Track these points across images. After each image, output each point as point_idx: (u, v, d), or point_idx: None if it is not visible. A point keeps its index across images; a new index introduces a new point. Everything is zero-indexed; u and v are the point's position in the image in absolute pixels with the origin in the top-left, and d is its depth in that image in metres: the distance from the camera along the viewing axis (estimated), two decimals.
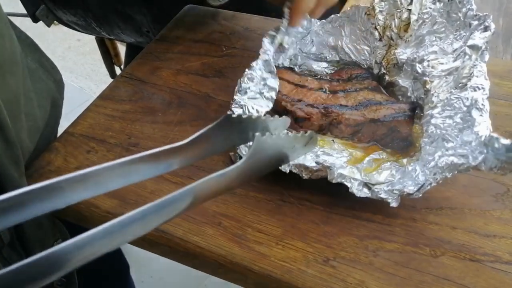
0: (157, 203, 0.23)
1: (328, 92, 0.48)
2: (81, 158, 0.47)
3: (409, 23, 0.49)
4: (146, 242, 0.41)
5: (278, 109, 0.47)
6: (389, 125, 0.44)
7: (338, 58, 0.54)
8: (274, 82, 0.46)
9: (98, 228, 0.21)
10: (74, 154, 0.47)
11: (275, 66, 0.48)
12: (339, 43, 0.53)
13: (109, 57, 1.34)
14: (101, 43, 1.28)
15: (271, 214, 0.41)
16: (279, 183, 0.43)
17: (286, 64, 0.53)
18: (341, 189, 0.42)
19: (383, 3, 0.50)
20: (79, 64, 2.44)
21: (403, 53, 0.49)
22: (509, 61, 0.66)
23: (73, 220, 0.45)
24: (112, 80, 1.47)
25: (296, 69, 0.54)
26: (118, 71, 1.40)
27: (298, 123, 0.46)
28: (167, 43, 0.62)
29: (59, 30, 2.34)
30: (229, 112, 0.37)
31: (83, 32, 1.08)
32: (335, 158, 0.43)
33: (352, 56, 0.53)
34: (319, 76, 0.52)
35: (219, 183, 0.27)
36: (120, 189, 0.43)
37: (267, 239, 0.39)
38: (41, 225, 0.44)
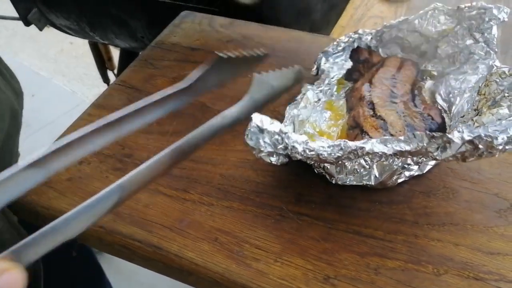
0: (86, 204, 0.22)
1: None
2: (73, 169, 0.45)
3: None
4: (140, 257, 0.40)
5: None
6: None
7: None
8: None
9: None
10: None
11: None
12: None
13: (102, 61, 1.32)
14: (94, 47, 1.27)
15: (269, 229, 0.40)
16: (278, 198, 0.42)
17: None
18: (341, 204, 0.41)
19: None
20: (72, 67, 2.42)
21: None
22: None
23: None
24: (105, 84, 1.45)
25: None
26: (111, 75, 1.38)
27: None
28: (163, 50, 0.61)
29: (51, 32, 2.32)
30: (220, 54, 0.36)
31: (76, 36, 1.06)
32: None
33: None
34: None
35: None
36: None
37: (265, 256, 0.38)
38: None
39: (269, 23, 0.66)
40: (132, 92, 0.54)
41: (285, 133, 0.35)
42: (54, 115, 2.00)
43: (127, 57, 1.28)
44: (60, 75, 2.27)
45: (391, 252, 0.38)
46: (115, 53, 1.32)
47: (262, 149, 0.35)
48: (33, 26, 0.96)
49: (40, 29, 0.93)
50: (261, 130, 0.35)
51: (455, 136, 0.32)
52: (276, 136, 0.35)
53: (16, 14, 0.91)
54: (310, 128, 0.47)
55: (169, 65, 0.58)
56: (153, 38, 0.86)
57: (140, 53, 0.61)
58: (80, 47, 2.40)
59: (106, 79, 1.38)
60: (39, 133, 1.89)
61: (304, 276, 0.37)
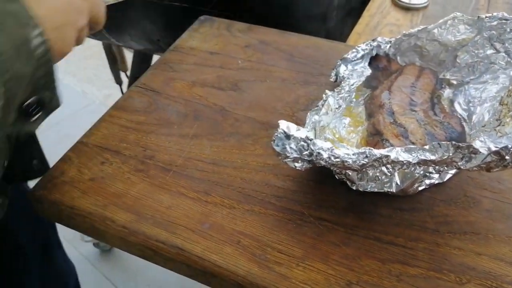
0: None
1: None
2: (95, 169, 0.46)
3: None
4: (163, 259, 0.40)
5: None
6: None
7: None
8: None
9: None
10: (88, 165, 0.46)
11: None
12: None
13: (115, 63, 1.33)
14: (107, 48, 1.28)
15: (291, 234, 0.40)
16: (298, 203, 0.43)
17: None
18: (362, 210, 0.41)
19: None
20: (82, 68, 2.44)
21: None
22: None
23: (86, 233, 0.44)
24: (115, 85, 1.46)
25: None
26: (123, 76, 1.39)
27: None
28: (182, 53, 0.61)
29: None
30: None
31: (91, 38, 1.07)
32: None
33: None
34: None
35: None
36: (137, 204, 0.42)
37: (287, 260, 0.38)
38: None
39: (285, 29, 0.66)
40: (152, 94, 0.55)
41: (311, 139, 0.36)
42: (63, 114, 2.01)
43: (140, 59, 1.29)
44: (71, 75, 2.29)
45: (413, 259, 0.38)
46: (128, 55, 1.33)
47: (288, 155, 0.36)
48: None
49: None
50: (288, 136, 0.36)
51: (481, 146, 0.33)
52: (302, 143, 0.36)
53: None
54: (330, 134, 0.47)
55: (188, 68, 0.59)
56: (168, 41, 0.87)
57: (160, 56, 0.62)
58: (91, 48, 2.41)
59: (118, 80, 1.39)
60: (49, 132, 1.90)
61: (326, 281, 0.37)
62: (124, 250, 0.42)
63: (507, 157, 0.32)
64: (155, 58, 1.18)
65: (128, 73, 1.37)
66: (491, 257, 0.38)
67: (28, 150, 0.47)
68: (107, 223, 0.42)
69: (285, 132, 0.36)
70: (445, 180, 0.44)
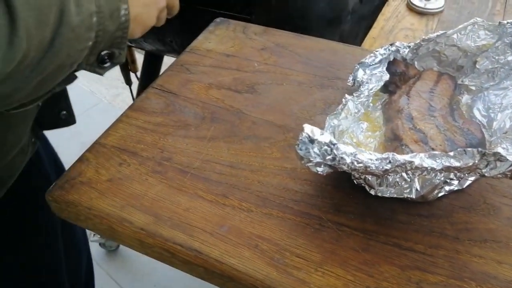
0: None
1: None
2: (113, 170, 0.46)
3: None
4: (181, 261, 0.40)
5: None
6: None
7: None
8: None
9: None
10: (105, 166, 0.47)
11: None
12: None
13: (126, 64, 1.33)
14: None
15: (309, 238, 0.40)
16: (316, 207, 0.42)
17: None
18: (380, 215, 0.41)
19: None
20: None
21: None
22: None
23: (104, 234, 0.44)
24: (124, 85, 1.46)
25: None
26: (133, 77, 1.39)
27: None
28: (198, 55, 0.61)
29: None
30: None
31: None
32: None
33: None
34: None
35: None
36: (155, 205, 0.42)
37: (306, 265, 0.38)
38: None
39: (299, 32, 0.66)
40: (169, 96, 0.55)
41: (334, 144, 0.35)
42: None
43: (151, 60, 1.29)
44: (80, 75, 2.30)
45: (433, 266, 0.38)
46: (138, 56, 1.33)
47: (311, 159, 0.35)
48: None
49: None
50: (312, 141, 0.35)
51: (507, 154, 0.32)
52: (326, 147, 0.35)
53: None
54: (348, 138, 0.47)
55: (204, 70, 0.59)
56: (181, 42, 0.87)
57: (172, 57, 0.62)
58: None
59: (128, 81, 1.39)
60: (58, 131, 1.91)
61: (345, 287, 0.37)
62: (141, 252, 0.42)
63: None
64: (166, 60, 1.19)
65: (138, 74, 1.37)
66: None
67: (58, 103, 0.57)
68: (124, 224, 0.42)
69: (309, 136, 0.35)
70: (464, 186, 0.43)
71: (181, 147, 0.48)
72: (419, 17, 0.78)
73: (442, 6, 0.79)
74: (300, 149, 0.36)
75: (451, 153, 0.34)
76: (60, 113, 0.58)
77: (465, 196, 0.43)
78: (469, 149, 0.33)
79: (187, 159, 0.47)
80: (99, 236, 1.31)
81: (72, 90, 0.54)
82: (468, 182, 0.43)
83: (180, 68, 0.59)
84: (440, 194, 0.42)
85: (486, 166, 0.34)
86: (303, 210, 0.42)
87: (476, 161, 0.33)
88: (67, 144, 1.16)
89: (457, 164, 0.34)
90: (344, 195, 0.44)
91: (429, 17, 0.78)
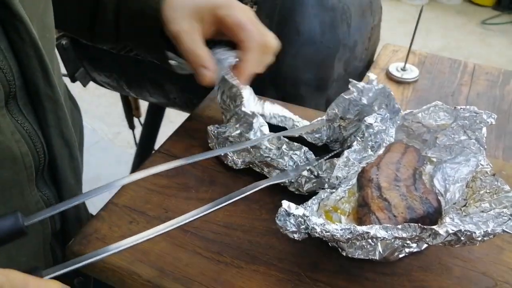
0: None
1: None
2: (124, 228, 0.54)
3: None
4: None
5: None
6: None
7: None
8: None
9: None
10: (118, 223, 0.54)
11: None
12: None
13: (130, 110, 1.43)
14: (124, 97, 1.38)
15: None
16: (296, 264, 0.50)
17: None
18: (351, 273, 0.48)
19: None
20: (94, 105, 2.54)
21: None
22: (500, 160, 0.75)
23: (116, 285, 0.51)
24: (125, 123, 1.55)
25: None
26: (136, 122, 1.48)
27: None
28: (200, 122, 0.70)
29: None
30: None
31: (112, 90, 1.17)
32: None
33: None
34: None
35: None
36: (160, 260, 0.50)
37: None
38: None
39: (291, 97, 0.75)
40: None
41: (307, 216, 0.44)
42: None
43: (155, 110, 1.38)
44: (82, 112, 2.39)
45: None
46: (142, 103, 1.43)
47: (288, 228, 0.44)
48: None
49: (84, 85, 1.04)
50: (288, 214, 0.44)
51: (441, 229, 0.41)
52: (300, 219, 0.44)
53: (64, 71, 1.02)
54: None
55: (205, 136, 0.68)
56: (185, 100, 0.96)
57: (181, 124, 0.70)
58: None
59: (131, 126, 1.48)
60: None
61: None
62: None
63: (462, 238, 0.40)
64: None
65: (142, 119, 1.46)
66: None
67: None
68: (133, 277, 0.49)
69: (286, 210, 0.44)
70: (422, 248, 0.51)
71: (183, 208, 0.56)
72: (397, 85, 0.88)
73: (417, 76, 0.89)
74: (279, 220, 0.44)
75: (399, 226, 0.42)
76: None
77: (423, 256, 0.51)
78: (411, 224, 0.42)
79: None
80: None
81: None
82: (425, 245, 0.51)
83: (184, 134, 0.68)
84: (401, 255, 0.50)
85: (429, 236, 0.42)
86: (286, 267, 0.50)
87: (418, 234, 0.41)
88: None
89: (404, 235, 0.42)
90: (321, 254, 0.51)
91: (405, 85, 0.88)
